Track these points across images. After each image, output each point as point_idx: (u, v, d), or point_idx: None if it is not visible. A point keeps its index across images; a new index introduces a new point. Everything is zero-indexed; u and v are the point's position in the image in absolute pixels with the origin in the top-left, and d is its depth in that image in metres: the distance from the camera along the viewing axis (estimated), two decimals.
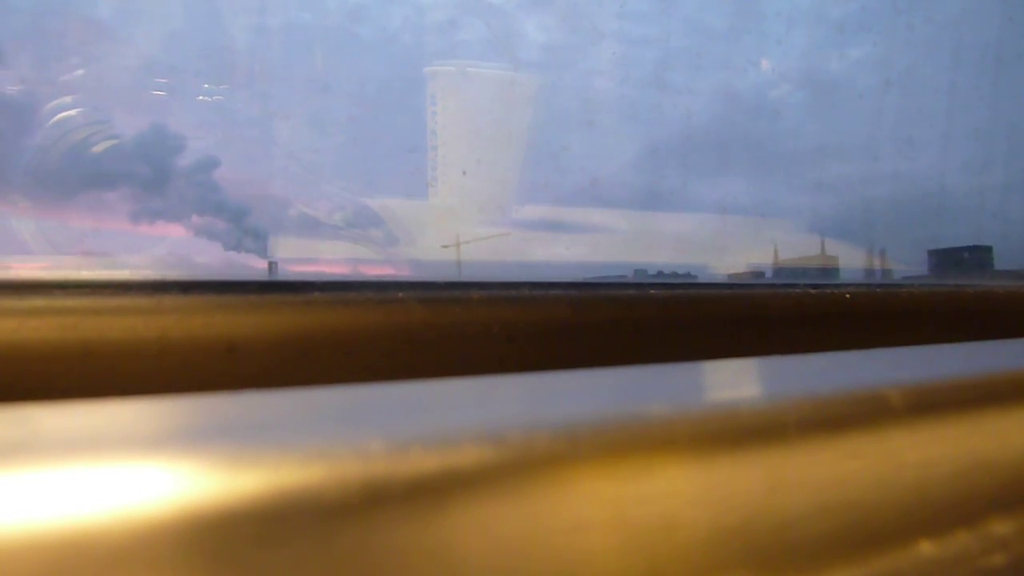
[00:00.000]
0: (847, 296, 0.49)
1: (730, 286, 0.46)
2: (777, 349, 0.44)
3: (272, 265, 0.80)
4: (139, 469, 0.14)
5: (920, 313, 0.53)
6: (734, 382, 0.29)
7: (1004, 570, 0.26)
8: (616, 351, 0.40)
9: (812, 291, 0.47)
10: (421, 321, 0.34)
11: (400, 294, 0.35)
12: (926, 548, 0.24)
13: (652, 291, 0.42)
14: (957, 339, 0.46)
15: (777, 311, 0.46)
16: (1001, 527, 0.27)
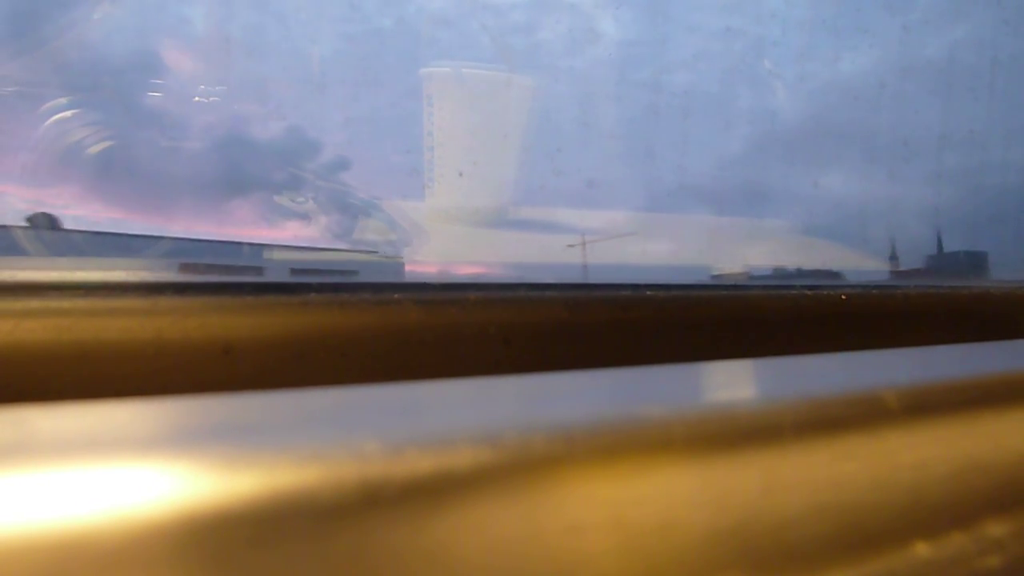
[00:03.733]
0: (843, 297, 0.49)
1: (726, 287, 0.46)
2: (773, 350, 0.44)
3: (399, 266, 0.83)
4: (135, 470, 0.14)
5: (916, 314, 0.53)
6: (730, 383, 0.29)
7: (1000, 572, 0.26)
8: (612, 352, 0.40)
9: (808, 292, 0.48)
10: (417, 322, 0.34)
11: (396, 295, 0.35)
12: (922, 549, 0.24)
13: (648, 292, 0.42)
14: (953, 340, 0.46)
15: (773, 312, 0.46)
16: (997, 529, 0.27)
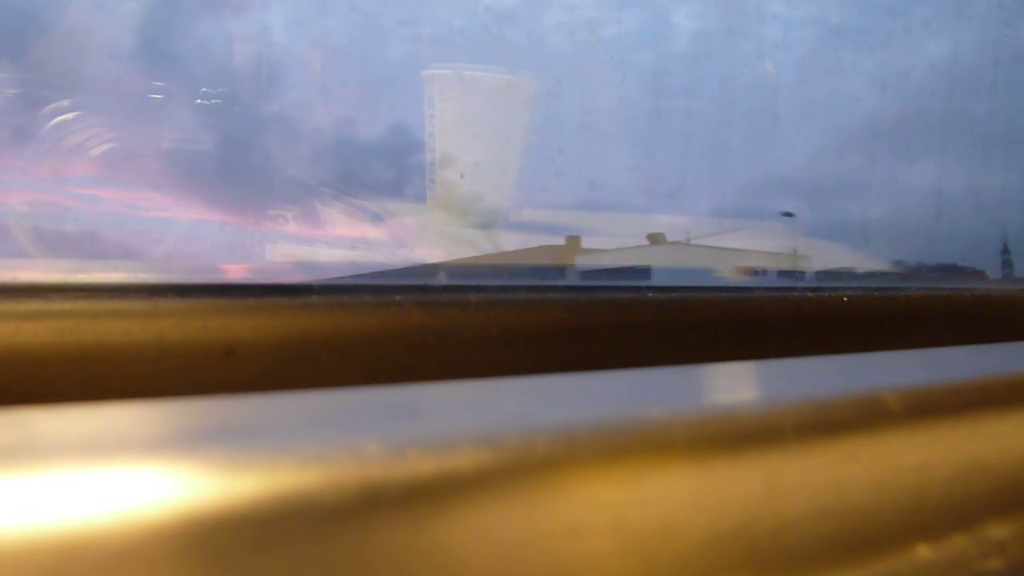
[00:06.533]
0: (844, 299, 0.49)
1: (727, 289, 0.46)
2: (775, 352, 0.44)
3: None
4: (137, 472, 0.14)
5: (918, 316, 0.53)
6: (732, 385, 0.29)
7: (1001, 574, 0.26)
8: (614, 354, 0.40)
9: (810, 294, 0.48)
10: (418, 324, 0.34)
11: (397, 297, 0.35)
12: (923, 552, 0.24)
13: (649, 294, 0.42)
14: (955, 342, 0.46)
15: (775, 314, 0.46)
16: (998, 531, 0.27)
